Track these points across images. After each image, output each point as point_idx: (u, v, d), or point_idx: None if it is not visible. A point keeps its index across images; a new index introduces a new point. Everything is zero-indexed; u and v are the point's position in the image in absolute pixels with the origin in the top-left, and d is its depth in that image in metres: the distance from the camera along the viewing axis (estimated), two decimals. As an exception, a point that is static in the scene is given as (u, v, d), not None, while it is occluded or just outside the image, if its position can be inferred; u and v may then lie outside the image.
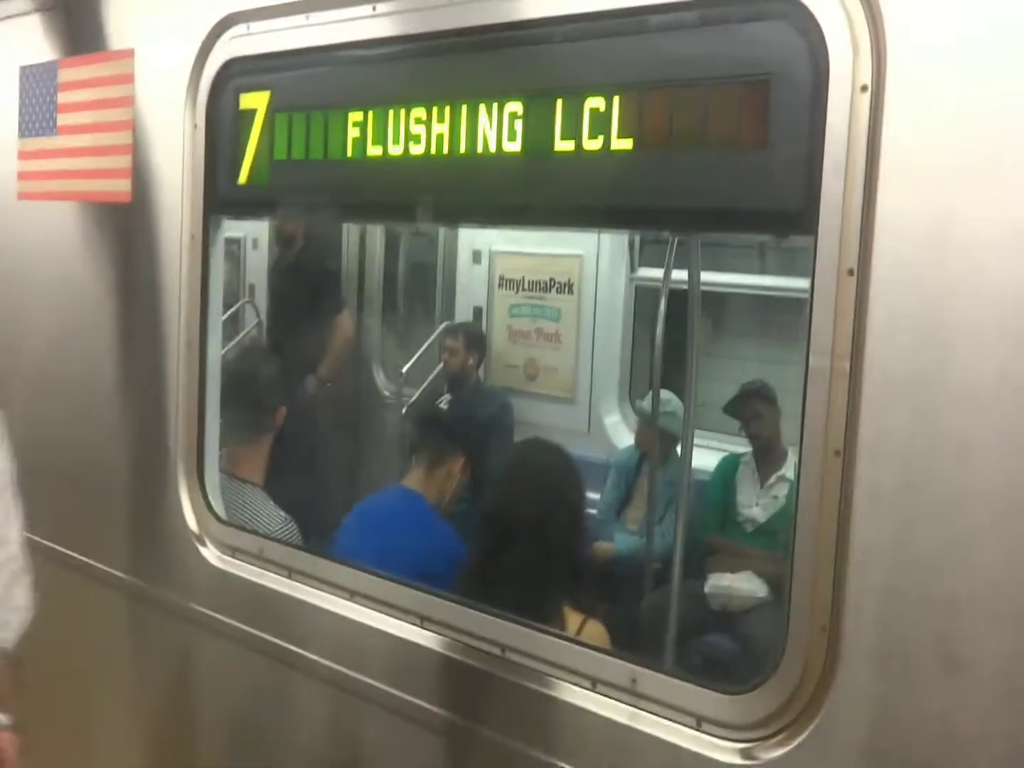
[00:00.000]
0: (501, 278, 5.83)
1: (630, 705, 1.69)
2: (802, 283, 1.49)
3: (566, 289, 5.62)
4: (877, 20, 1.43)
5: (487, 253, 5.83)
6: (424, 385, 5.92)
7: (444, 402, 3.13)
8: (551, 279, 5.66)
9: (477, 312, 5.94)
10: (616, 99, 1.70)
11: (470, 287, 6.01)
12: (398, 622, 2.01)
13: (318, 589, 2.16)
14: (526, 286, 5.76)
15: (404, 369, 5.78)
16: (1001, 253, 1.33)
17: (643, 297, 5.53)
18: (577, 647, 1.81)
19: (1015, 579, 1.32)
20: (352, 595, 2.10)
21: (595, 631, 2.17)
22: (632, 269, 5.49)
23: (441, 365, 5.62)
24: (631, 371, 5.68)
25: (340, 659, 2.11)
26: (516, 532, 2.17)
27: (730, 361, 6.35)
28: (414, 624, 1.99)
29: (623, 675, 1.71)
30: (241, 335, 6.68)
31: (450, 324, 5.92)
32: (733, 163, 1.60)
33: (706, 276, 4.66)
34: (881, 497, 1.43)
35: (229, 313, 6.42)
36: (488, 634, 1.88)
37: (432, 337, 6.08)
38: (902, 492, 1.41)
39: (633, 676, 1.70)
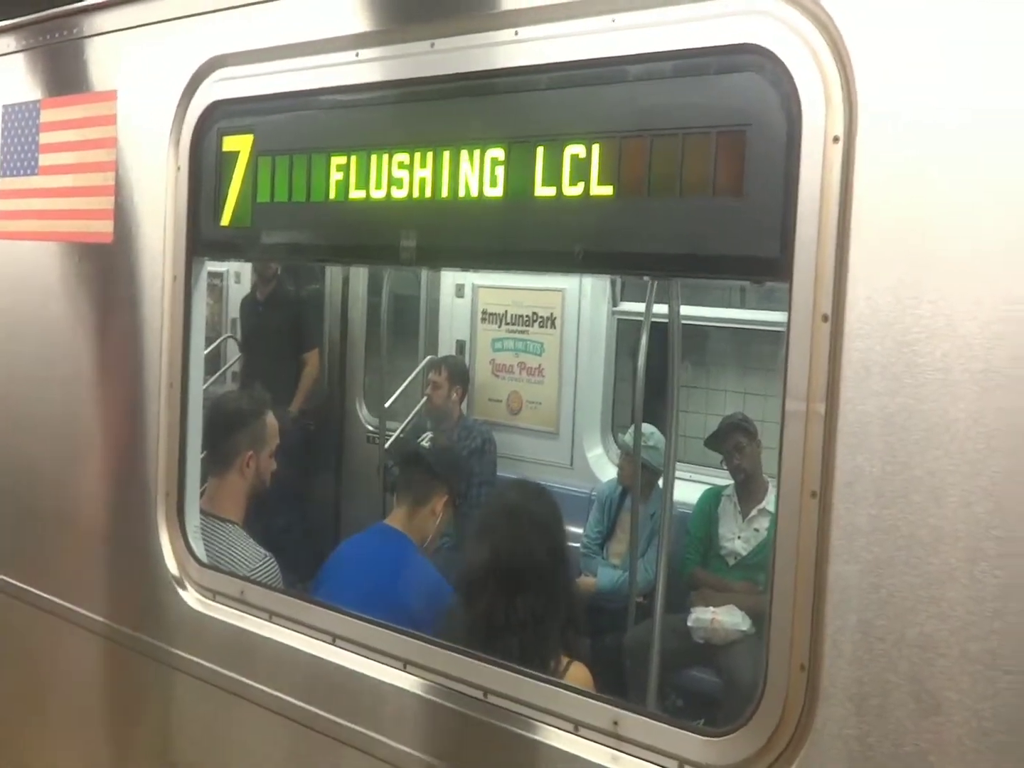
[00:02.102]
0: (484, 312, 5.87)
1: (612, 748, 1.69)
2: (780, 316, 1.52)
3: (549, 323, 5.66)
4: (848, 73, 1.47)
5: (470, 287, 5.88)
6: (408, 419, 5.92)
7: (426, 439, 3.13)
8: (534, 313, 5.70)
9: (460, 346, 5.97)
10: (596, 147, 1.73)
11: (453, 320, 6.04)
12: (381, 666, 2.00)
13: (300, 632, 2.15)
14: (509, 320, 5.80)
15: (387, 404, 5.79)
16: (968, 300, 1.37)
17: (625, 331, 5.58)
18: (559, 690, 1.81)
19: (986, 619, 1.34)
20: (334, 639, 2.08)
21: (579, 673, 2.17)
22: (614, 303, 5.55)
23: (424, 399, 5.64)
24: (614, 404, 5.72)
25: (322, 703, 2.09)
26: (499, 578, 2.17)
27: (712, 393, 6.41)
28: (397, 668, 1.98)
29: (605, 718, 1.70)
30: (223, 369, 6.68)
31: (433, 358, 5.94)
32: (711, 210, 1.64)
33: (687, 310, 4.76)
34: (856, 537, 1.45)
35: (211, 348, 6.42)
36: (471, 678, 1.87)
37: (416, 371, 6.10)
38: (876, 533, 1.43)
39: (615, 719, 1.70)
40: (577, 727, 1.73)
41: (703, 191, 1.63)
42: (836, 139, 1.47)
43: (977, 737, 1.35)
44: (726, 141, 1.61)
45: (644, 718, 1.68)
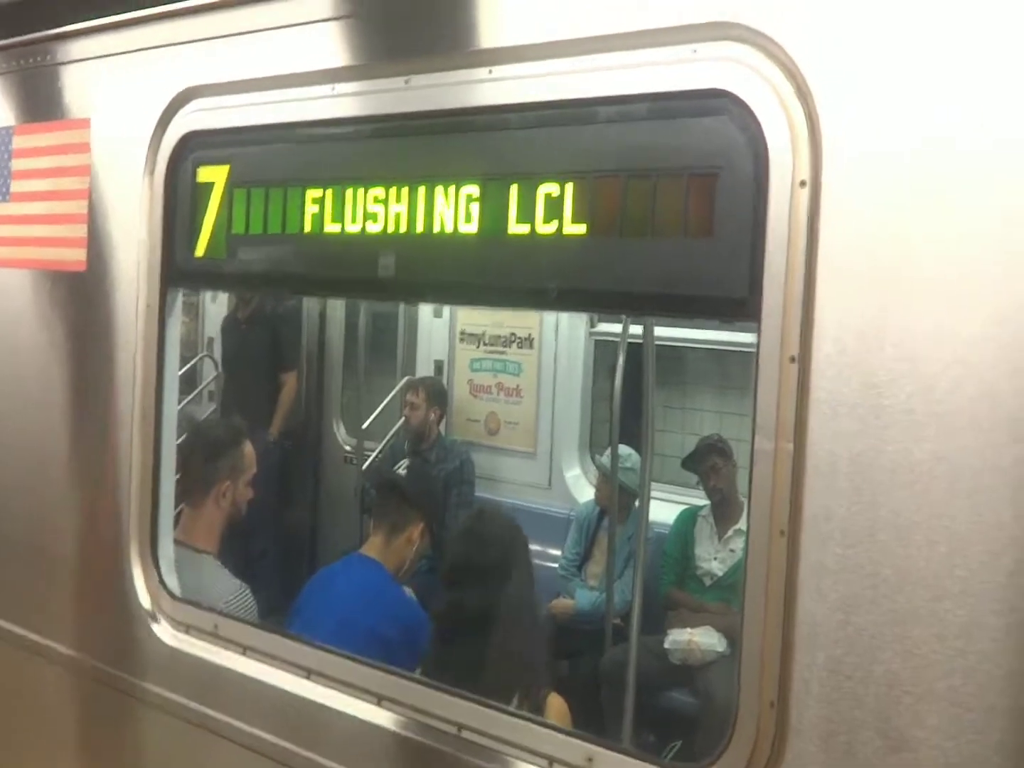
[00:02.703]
0: (462, 332, 5.89)
1: (586, 784, 1.69)
2: (753, 338, 1.54)
3: (527, 343, 5.69)
4: (814, 119, 1.50)
5: (448, 307, 5.89)
6: (385, 440, 5.91)
7: (403, 467, 3.12)
8: (512, 333, 5.73)
9: (438, 366, 5.98)
10: (570, 186, 1.76)
11: (432, 341, 6.05)
12: (355, 701, 1.99)
13: (274, 667, 2.13)
14: (487, 340, 5.82)
15: (364, 425, 5.78)
16: (931, 342, 1.39)
17: (603, 352, 5.61)
18: (533, 725, 1.81)
19: (949, 657, 1.36)
20: (309, 673, 2.07)
21: (555, 703, 2.18)
22: (592, 324, 5.58)
23: (402, 420, 5.64)
24: (592, 425, 5.74)
25: (296, 738, 2.08)
26: (471, 612, 2.17)
27: (688, 412, 6.45)
28: (371, 703, 1.97)
29: (579, 754, 1.71)
30: (199, 388, 6.64)
31: (411, 379, 5.94)
32: (682, 251, 1.66)
33: (663, 331, 4.80)
34: (824, 576, 1.47)
35: (187, 367, 6.38)
36: (445, 713, 1.87)
37: (393, 392, 6.10)
38: (843, 571, 1.45)
39: (589, 755, 1.70)
40: (551, 763, 1.74)
41: (674, 232, 1.66)
42: (803, 183, 1.50)
43: (942, 776, 1.37)
44: (698, 184, 1.63)
45: (618, 754, 1.69)
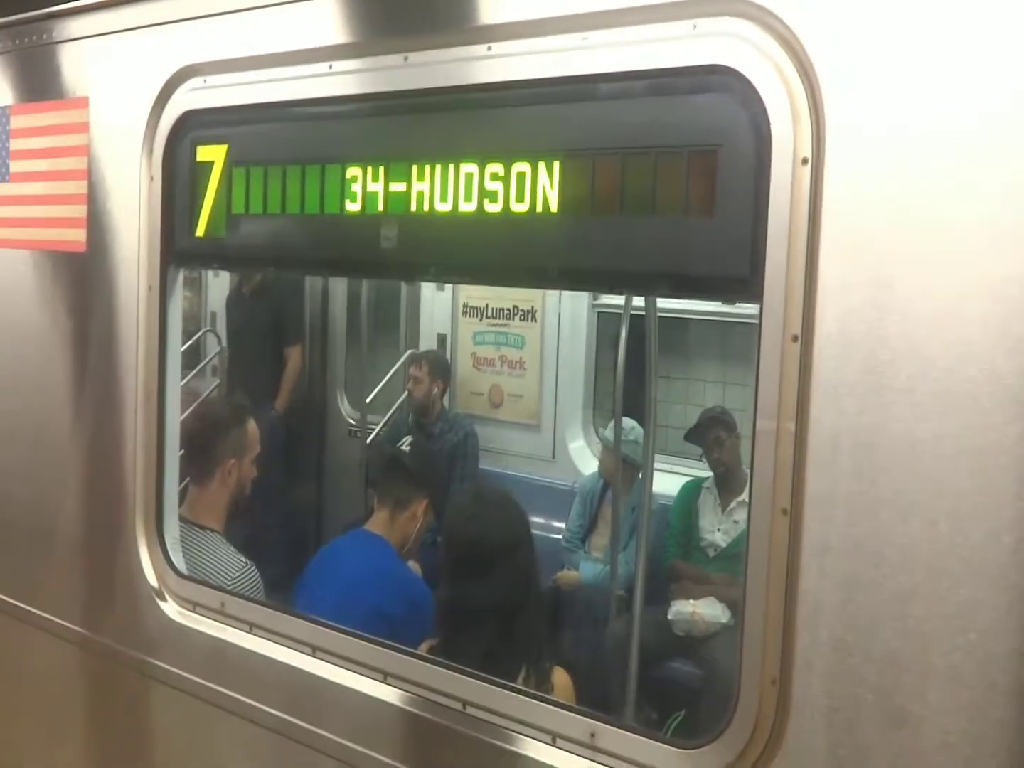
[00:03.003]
0: (465, 305, 5.88)
1: (589, 759, 1.71)
2: (755, 309, 1.54)
3: (530, 316, 5.67)
4: (816, 95, 1.48)
5: (450, 282, 5.87)
6: (389, 414, 5.93)
7: (406, 443, 3.14)
8: (514, 306, 5.71)
9: (441, 339, 5.97)
10: (569, 163, 1.74)
11: (434, 314, 6.04)
12: (360, 677, 2.02)
13: (280, 644, 2.16)
14: (490, 313, 5.81)
15: (368, 399, 5.79)
16: (934, 321, 1.39)
17: (606, 323, 5.60)
18: (537, 702, 1.83)
19: (949, 636, 1.37)
20: (314, 650, 2.10)
21: (561, 679, 2.20)
22: (595, 296, 5.56)
23: (406, 393, 5.64)
24: (595, 397, 5.74)
25: (302, 714, 2.11)
26: (476, 591, 2.19)
27: (692, 383, 6.45)
28: (377, 680, 2.00)
29: (582, 730, 1.73)
30: (202, 363, 6.65)
31: (414, 352, 5.94)
32: (682, 229, 1.65)
33: (666, 303, 4.77)
34: (826, 554, 1.48)
35: (190, 343, 6.39)
36: (449, 689, 1.90)
37: (396, 365, 6.10)
38: (845, 550, 1.46)
39: (592, 730, 1.72)
40: (555, 739, 1.76)
41: (675, 210, 1.64)
42: (805, 160, 1.49)
43: (942, 750, 1.38)
44: (698, 160, 1.62)
45: (620, 730, 1.71)
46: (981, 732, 1.36)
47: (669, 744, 1.65)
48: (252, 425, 2.93)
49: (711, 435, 4.56)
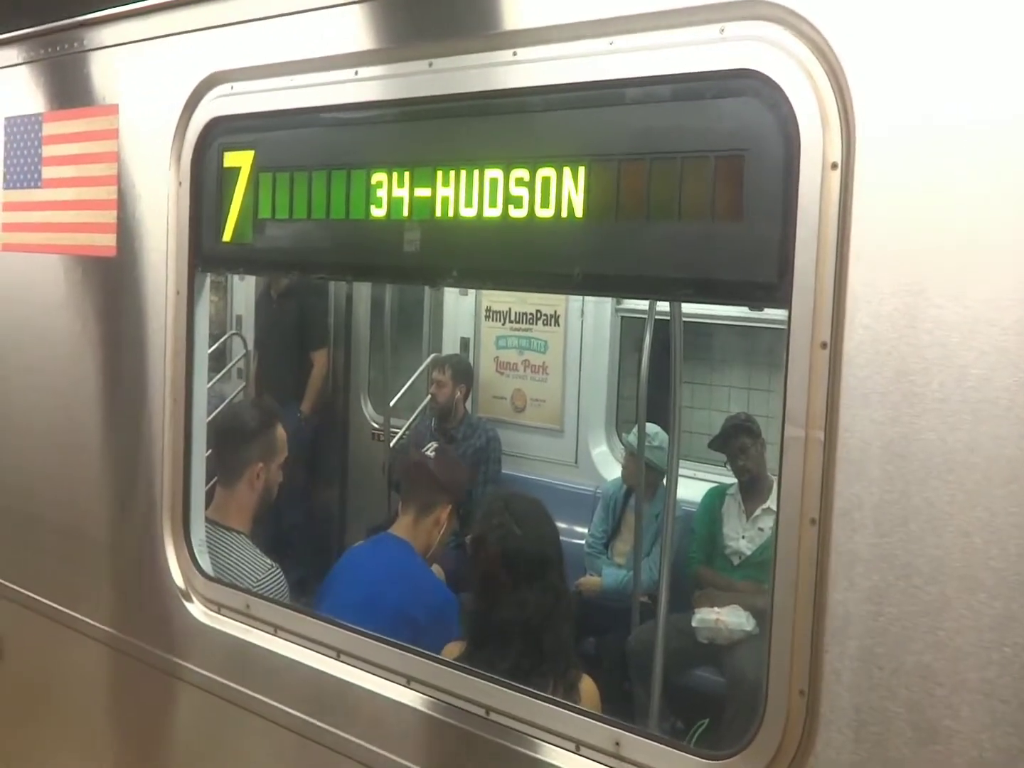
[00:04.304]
0: (488, 310, 5.88)
1: (613, 768, 1.70)
2: (782, 314, 1.52)
3: (552, 321, 5.67)
4: (846, 100, 1.46)
5: (473, 286, 5.87)
6: (412, 418, 5.94)
7: (431, 449, 3.15)
8: (537, 311, 5.71)
9: (464, 343, 5.98)
10: (595, 168, 1.73)
11: (457, 318, 6.05)
12: (384, 681, 2.02)
13: (304, 647, 2.17)
14: (513, 318, 5.80)
15: (392, 402, 5.81)
16: (965, 329, 1.37)
17: (630, 328, 5.58)
18: (561, 709, 1.82)
19: (983, 649, 1.34)
20: (339, 654, 2.10)
21: (587, 686, 2.19)
22: (618, 301, 5.54)
23: (429, 397, 5.65)
24: (618, 401, 5.72)
25: (325, 717, 2.11)
26: (498, 601, 2.18)
27: (716, 389, 6.41)
28: (400, 684, 2.00)
29: (606, 738, 1.72)
30: (228, 366, 6.71)
31: (437, 356, 5.95)
32: (710, 235, 1.63)
33: (691, 308, 4.75)
34: (855, 565, 1.46)
35: (216, 346, 6.45)
36: (473, 695, 1.89)
37: (420, 369, 6.12)
38: (875, 561, 1.44)
39: (616, 739, 1.71)
40: (579, 747, 1.75)
41: (702, 215, 1.63)
42: (835, 166, 1.47)
43: (976, 766, 1.36)
44: (725, 165, 1.60)
45: (645, 739, 1.70)
46: (1018, 747, 1.33)
47: (695, 754, 1.63)
48: (280, 430, 2.96)
49: (736, 443, 4.53)
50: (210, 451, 2.55)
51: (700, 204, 1.63)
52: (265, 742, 2.27)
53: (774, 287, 1.55)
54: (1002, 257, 1.34)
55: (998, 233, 1.34)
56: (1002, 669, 1.33)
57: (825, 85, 1.48)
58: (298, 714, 2.16)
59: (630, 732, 1.71)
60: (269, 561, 2.79)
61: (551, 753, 1.78)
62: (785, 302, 1.52)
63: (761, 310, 1.69)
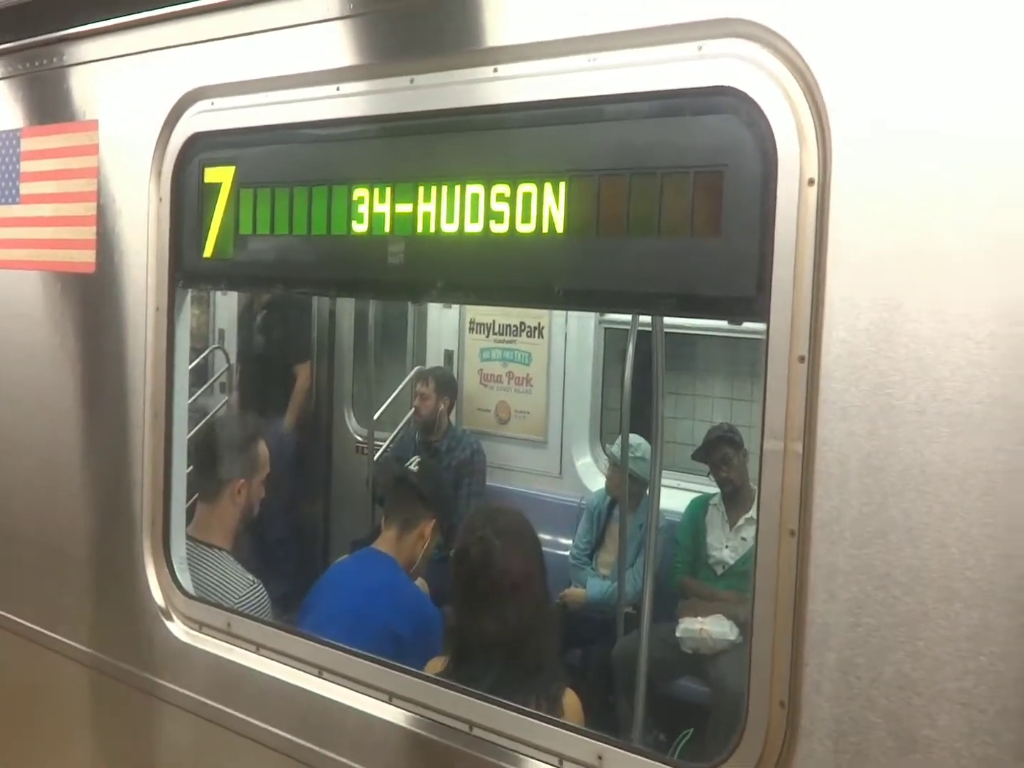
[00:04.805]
0: (472, 322, 5.88)
1: (597, 783, 1.70)
2: (762, 325, 1.54)
3: (536, 333, 5.68)
4: (823, 117, 1.48)
5: (456, 299, 5.88)
6: (396, 431, 5.93)
7: (414, 463, 3.14)
8: (521, 323, 5.72)
9: (448, 356, 5.98)
10: (576, 184, 1.74)
11: (441, 331, 6.05)
12: (366, 698, 2.01)
13: (286, 664, 2.15)
14: (496, 330, 5.81)
15: (375, 415, 5.79)
16: (941, 343, 1.38)
17: (613, 340, 5.60)
18: (544, 724, 1.82)
19: (960, 659, 1.36)
20: (321, 671, 2.09)
21: (571, 702, 2.19)
22: (601, 313, 5.56)
23: (413, 410, 5.65)
24: (602, 413, 5.74)
25: (308, 735, 2.10)
26: (481, 614, 2.18)
27: (700, 399, 6.44)
28: (382, 700, 1.99)
29: (589, 753, 1.72)
30: (211, 380, 6.68)
31: (421, 369, 5.94)
32: (689, 250, 1.65)
33: (673, 319, 4.77)
34: (834, 576, 1.47)
35: (199, 360, 6.41)
36: (456, 711, 1.89)
37: (404, 382, 6.11)
38: (854, 572, 1.45)
39: (599, 753, 1.71)
40: (562, 761, 1.75)
41: (682, 231, 1.65)
42: (811, 181, 1.49)
43: (953, 776, 1.37)
44: (704, 181, 1.62)
45: (627, 752, 1.70)
46: (994, 757, 1.34)
47: (676, 767, 1.63)
48: (263, 446, 2.95)
49: (718, 454, 4.54)
50: (191, 467, 2.54)
51: (680, 219, 1.64)
52: (247, 761, 2.25)
53: (752, 301, 1.56)
54: (977, 272, 1.36)
55: (973, 248, 1.36)
56: (979, 678, 1.34)
57: (801, 101, 1.50)
58: (281, 732, 2.15)
59: (612, 746, 1.71)
60: (251, 577, 2.77)
61: (534, 768, 1.78)
62: (763, 316, 1.53)
63: (740, 324, 1.71)
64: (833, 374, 1.47)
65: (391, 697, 1.98)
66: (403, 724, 1.96)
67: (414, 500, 3.00)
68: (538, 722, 1.83)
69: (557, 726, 1.81)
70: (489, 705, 1.86)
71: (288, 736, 2.13)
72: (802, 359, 1.49)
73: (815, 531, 1.48)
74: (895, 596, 1.42)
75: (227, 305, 6.71)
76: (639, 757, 1.68)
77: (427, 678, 1.99)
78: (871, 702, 1.43)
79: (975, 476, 1.36)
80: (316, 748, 2.08)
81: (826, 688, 1.47)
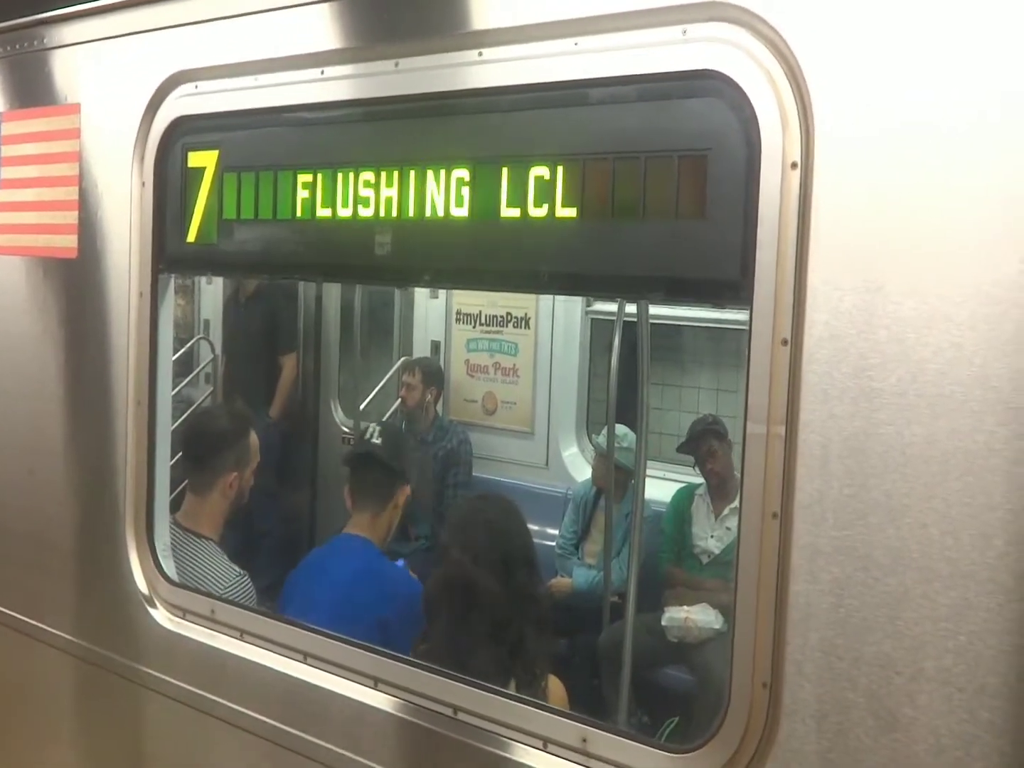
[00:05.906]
0: (458, 312, 5.88)
1: (581, 765, 1.71)
2: (746, 317, 1.54)
3: (523, 324, 5.68)
4: (805, 101, 1.49)
5: (443, 288, 5.86)
6: (382, 421, 5.91)
7: (376, 434, 2.94)
8: (508, 313, 5.71)
9: (435, 346, 5.97)
10: (560, 168, 1.74)
11: (428, 321, 6.04)
12: (351, 684, 2.01)
13: (271, 651, 2.15)
14: (483, 320, 5.81)
15: (361, 406, 5.78)
16: (921, 325, 1.39)
17: (599, 331, 5.60)
18: (528, 707, 1.83)
19: (940, 639, 1.37)
20: (305, 657, 2.09)
21: (555, 687, 2.19)
22: (588, 303, 5.56)
23: (399, 401, 5.64)
24: (588, 404, 5.74)
25: (293, 721, 2.10)
26: (476, 601, 2.18)
27: (686, 390, 6.46)
28: (367, 686, 1.99)
29: (573, 735, 1.73)
30: (196, 371, 6.64)
31: (408, 359, 5.93)
32: (673, 233, 1.65)
33: (660, 310, 4.78)
34: (816, 558, 1.48)
35: (184, 350, 6.38)
36: (440, 695, 1.89)
37: (390, 373, 6.09)
38: (835, 553, 1.46)
39: (583, 736, 1.72)
40: (546, 744, 1.76)
41: (666, 214, 1.65)
42: (794, 165, 1.49)
43: (934, 753, 1.38)
44: (688, 165, 1.62)
45: (612, 735, 1.71)
46: (972, 734, 1.36)
47: (660, 748, 1.64)
48: (253, 437, 2.93)
49: (704, 446, 4.56)
50: (179, 457, 2.52)
51: (664, 203, 1.64)
52: (232, 748, 2.25)
53: (736, 285, 1.57)
54: (958, 254, 1.37)
55: (954, 231, 1.37)
56: (958, 657, 1.36)
57: (784, 85, 1.51)
58: (265, 719, 2.14)
59: (596, 728, 1.71)
60: (238, 569, 2.76)
61: (519, 751, 1.78)
62: (747, 300, 1.54)
63: (724, 308, 1.72)
64: (816, 357, 1.47)
65: (376, 682, 1.98)
66: (388, 709, 1.96)
67: (383, 473, 2.94)
68: (522, 705, 1.83)
69: (541, 709, 1.82)
70: (473, 689, 1.87)
71: (273, 722, 2.12)
72: (785, 342, 1.50)
73: (797, 513, 1.49)
74: (876, 577, 1.43)
75: (212, 295, 6.67)
76: (623, 739, 1.69)
77: (412, 663, 1.99)
78: (852, 682, 1.44)
79: (955, 457, 1.37)
80: (301, 734, 2.08)
81: (808, 669, 1.49)
